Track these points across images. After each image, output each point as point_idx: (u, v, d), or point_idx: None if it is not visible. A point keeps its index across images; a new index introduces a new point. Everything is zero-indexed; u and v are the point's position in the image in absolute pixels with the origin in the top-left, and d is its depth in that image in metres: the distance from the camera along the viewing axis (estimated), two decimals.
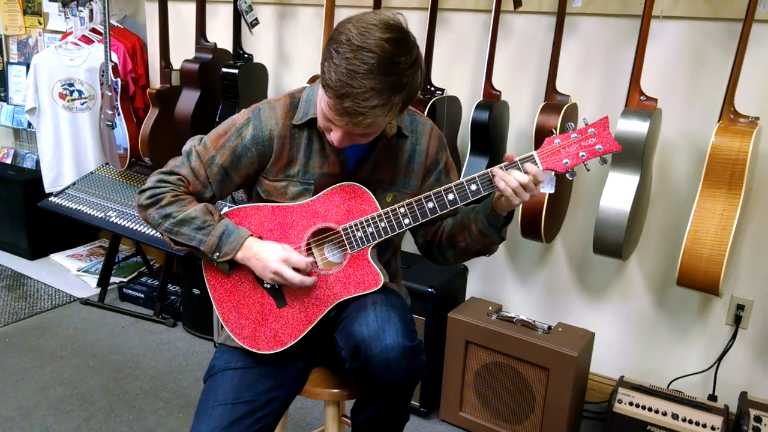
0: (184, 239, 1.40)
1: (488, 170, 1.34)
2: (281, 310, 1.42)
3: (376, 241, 1.39)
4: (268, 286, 1.42)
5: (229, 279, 1.45)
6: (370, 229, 1.38)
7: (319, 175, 1.44)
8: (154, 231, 2.77)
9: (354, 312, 1.38)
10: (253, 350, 1.43)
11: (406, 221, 1.38)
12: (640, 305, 2.31)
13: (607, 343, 2.37)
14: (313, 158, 1.43)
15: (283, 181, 1.44)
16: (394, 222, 1.38)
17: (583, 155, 1.34)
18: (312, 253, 1.43)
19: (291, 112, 1.43)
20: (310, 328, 1.40)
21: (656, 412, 2.00)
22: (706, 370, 2.22)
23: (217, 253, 1.39)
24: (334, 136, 1.31)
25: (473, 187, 1.35)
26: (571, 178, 1.39)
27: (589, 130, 1.35)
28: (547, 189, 1.48)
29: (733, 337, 2.16)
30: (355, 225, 1.39)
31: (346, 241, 1.40)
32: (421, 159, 1.49)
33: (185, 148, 1.46)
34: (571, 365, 2.01)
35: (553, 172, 1.36)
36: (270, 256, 1.36)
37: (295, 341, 1.41)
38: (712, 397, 2.16)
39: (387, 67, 1.19)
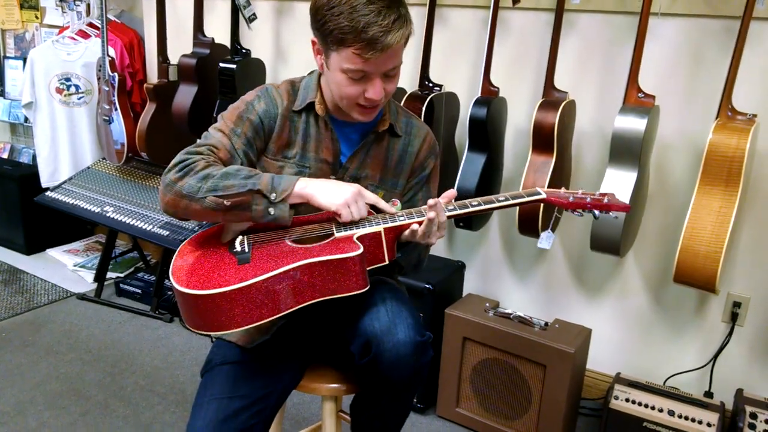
0: (234, 189, 1.29)
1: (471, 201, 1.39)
2: (241, 266, 1.27)
3: (365, 229, 1.33)
4: (238, 249, 1.33)
5: (201, 247, 1.36)
6: (363, 222, 1.36)
7: (315, 159, 1.46)
8: (151, 226, 2.78)
9: (363, 307, 1.37)
10: (190, 291, 1.21)
11: (401, 219, 1.36)
12: (637, 302, 2.32)
13: (604, 340, 2.38)
14: (310, 142, 1.46)
15: (281, 161, 1.46)
16: (389, 218, 1.36)
17: (588, 200, 1.40)
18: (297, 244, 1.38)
19: (292, 96, 1.47)
20: (262, 277, 1.22)
21: (652, 408, 2.00)
22: (703, 367, 2.23)
23: (274, 194, 1.30)
24: (372, 91, 1.32)
25: (474, 202, 1.39)
26: (577, 215, 1.43)
27: (596, 193, 1.42)
28: (544, 245, 1.53)
29: (730, 334, 2.16)
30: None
31: (334, 228, 1.36)
32: (410, 160, 1.51)
33: (204, 133, 1.44)
34: (568, 362, 2.01)
35: (550, 231, 1.39)
36: (341, 185, 1.35)
37: (241, 285, 1.20)
38: (708, 394, 2.17)
39: None
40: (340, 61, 1.30)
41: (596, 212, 1.41)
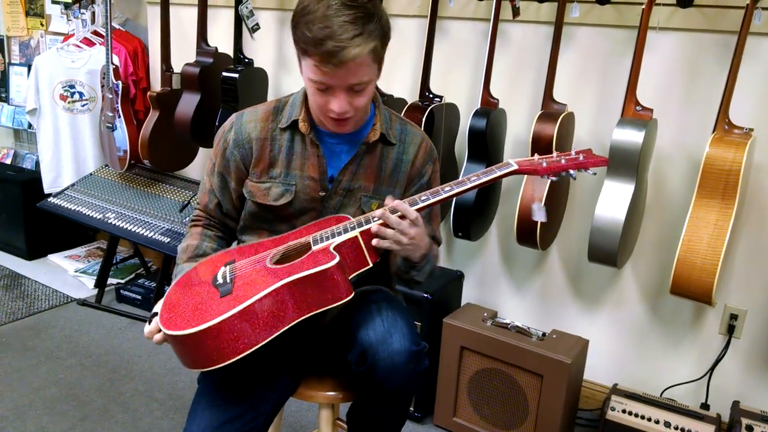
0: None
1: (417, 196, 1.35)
2: (223, 298, 1.27)
3: (341, 237, 1.31)
4: (221, 282, 1.33)
5: (188, 286, 1.37)
6: (339, 230, 1.34)
7: (300, 177, 1.47)
8: (152, 233, 2.81)
9: (359, 317, 1.39)
10: (176, 332, 1.21)
11: (376, 221, 1.33)
12: (634, 313, 2.33)
13: (601, 351, 2.38)
14: (294, 160, 1.47)
15: (266, 183, 1.48)
16: (363, 221, 1.34)
17: (563, 161, 1.34)
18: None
19: (273, 115, 1.49)
20: (239, 308, 1.20)
21: (649, 420, 2.01)
22: (699, 378, 2.23)
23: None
24: (336, 104, 1.32)
25: (447, 188, 1.35)
26: (550, 179, 1.37)
27: (572, 152, 1.37)
28: (539, 217, 1.50)
29: (726, 346, 2.17)
30: (324, 232, 1.36)
31: (311, 243, 1.35)
32: (406, 168, 1.50)
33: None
34: (565, 372, 2.02)
35: (542, 203, 1.35)
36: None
37: (219, 319, 1.19)
38: (705, 406, 2.17)
39: (349, 3, 1.27)
40: (307, 70, 1.33)
41: (572, 172, 1.35)
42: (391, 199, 1.34)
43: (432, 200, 1.34)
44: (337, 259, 1.26)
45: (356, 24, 1.25)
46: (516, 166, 1.35)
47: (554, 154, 1.37)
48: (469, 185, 1.35)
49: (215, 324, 1.18)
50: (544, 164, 1.35)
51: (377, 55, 1.32)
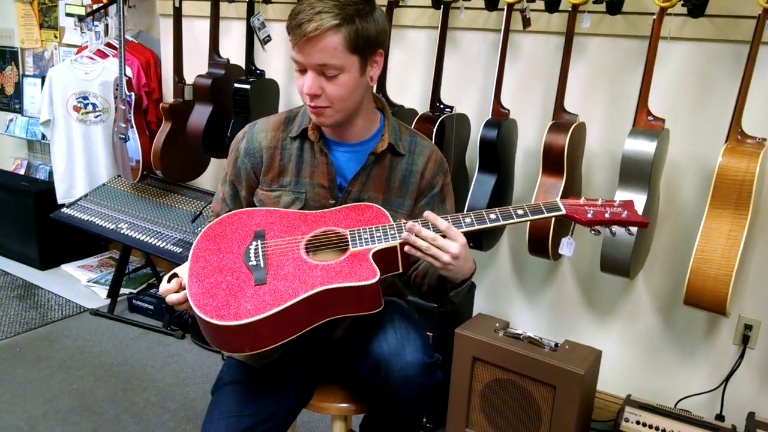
0: None
1: (465, 214, 1.36)
2: (258, 287, 1.30)
3: (381, 244, 1.34)
4: (254, 263, 1.34)
5: (217, 250, 1.39)
6: (378, 234, 1.36)
7: (310, 185, 1.47)
8: (164, 243, 2.83)
9: (372, 329, 1.39)
10: (210, 320, 1.25)
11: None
12: (648, 324, 2.31)
13: (614, 362, 2.37)
14: (304, 168, 1.48)
15: (276, 191, 1.49)
16: (404, 228, 1.34)
17: (608, 215, 1.38)
18: (311, 254, 1.38)
19: (284, 125, 1.50)
20: (278, 309, 1.25)
21: (663, 431, 1.99)
22: (714, 389, 2.22)
23: None
24: (306, 85, 1.33)
25: (492, 216, 1.36)
26: (593, 233, 1.40)
27: (616, 202, 1.39)
28: (565, 252, 1.51)
29: (741, 356, 2.15)
30: (364, 230, 1.37)
31: (349, 240, 1.36)
32: (416, 179, 1.50)
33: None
34: (578, 383, 2.01)
35: (570, 237, 1.37)
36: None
37: (255, 318, 1.24)
38: (720, 417, 2.15)
39: None
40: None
41: (613, 229, 1.38)
42: (432, 215, 1.33)
43: (476, 227, 1.36)
44: (378, 275, 1.29)
45: (327, 4, 1.29)
46: (564, 211, 1.38)
47: (599, 200, 1.40)
48: (516, 220, 1.37)
49: (251, 322, 1.23)
50: (590, 215, 1.38)
51: (351, 44, 1.30)
